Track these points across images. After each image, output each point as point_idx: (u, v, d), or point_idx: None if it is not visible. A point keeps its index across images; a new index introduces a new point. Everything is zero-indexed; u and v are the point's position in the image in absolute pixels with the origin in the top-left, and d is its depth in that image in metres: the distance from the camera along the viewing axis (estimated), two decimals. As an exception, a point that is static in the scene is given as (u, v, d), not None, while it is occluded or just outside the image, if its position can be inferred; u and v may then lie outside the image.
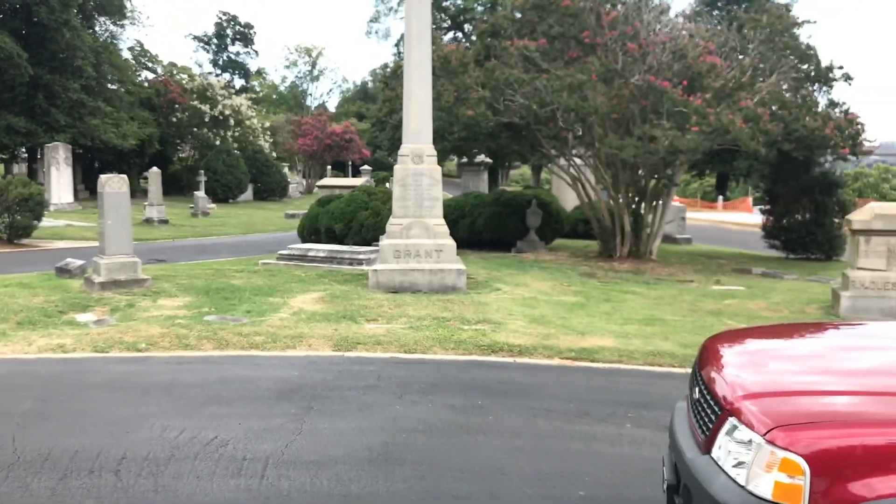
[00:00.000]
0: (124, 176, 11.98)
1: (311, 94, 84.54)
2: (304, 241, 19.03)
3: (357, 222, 17.65)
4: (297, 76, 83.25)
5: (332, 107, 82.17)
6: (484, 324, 10.02)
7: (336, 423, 6.02)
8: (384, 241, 12.37)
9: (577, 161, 17.56)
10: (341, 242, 17.81)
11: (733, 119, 13.65)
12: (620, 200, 16.51)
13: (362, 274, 13.25)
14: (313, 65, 79.26)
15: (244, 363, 8.13)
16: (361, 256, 14.51)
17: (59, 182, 31.56)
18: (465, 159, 21.76)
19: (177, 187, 42.11)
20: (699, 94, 14.11)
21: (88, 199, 35.70)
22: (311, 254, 14.87)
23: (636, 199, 16.85)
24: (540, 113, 14.89)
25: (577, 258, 17.16)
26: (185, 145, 45.73)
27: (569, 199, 23.85)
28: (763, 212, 19.41)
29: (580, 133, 15.42)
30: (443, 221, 12.49)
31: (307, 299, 11.25)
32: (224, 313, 10.26)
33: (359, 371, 7.85)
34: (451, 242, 12.39)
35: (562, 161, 17.41)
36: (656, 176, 16.25)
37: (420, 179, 12.36)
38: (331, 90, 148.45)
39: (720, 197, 47.56)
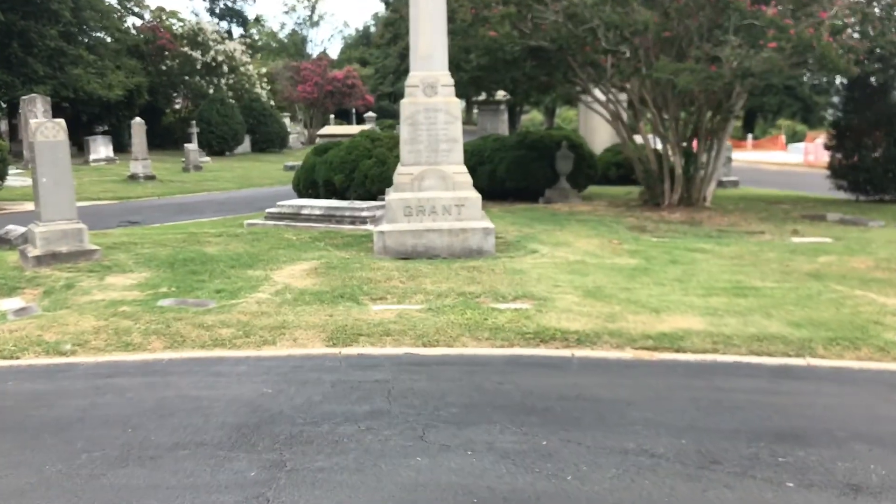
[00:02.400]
0: (61, 120, 9.61)
1: (311, 41, 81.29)
2: (301, 195, 16.61)
3: (360, 173, 15.19)
4: (296, 22, 79.94)
5: (333, 54, 79.00)
6: (525, 300, 7.65)
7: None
8: (392, 196, 9.94)
9: (613, 94, 14.94)
10: (342, 197, 15.38)
11: (816, 33, 11.02)
12: (670, 139, 13.98)
13: (366, 235, 10.87)
14: (313, 9, 75.75)
15: (200, 372, 5.81)
16: (365, 213, 12.10)
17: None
18: (481, 97, 19.06)
19: (171, 140, 39.60)
20: (772, 3, 11.42)
21: (76, 156, 33.26)
22: (304, 212, 12.46)
23: (688, 136, 14.30)
24: (576, 32, 12.30)
25: (617, 208, 14.68)
26: (177, 96, 42.98)
27: (597, 141, 21.30)
28: (828, 148, 16.81)
29: (627, 55, 12.80)
30: (464, 169, 10.05)
31: (296, 271, 8.87)
32: (186, 294, 7.91)
33: (360, 382, 5.51)
34: (475, 195, 9.96)
35: (598, 94, 14.79)
36: (714, 108, 13.66)
37: (434, 116, 9.87)
38: (332, 36, 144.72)
39: (749, 135, 44.56)
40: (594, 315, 7.13)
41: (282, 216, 12.60)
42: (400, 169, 10.07)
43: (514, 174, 16.18)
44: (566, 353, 6.35)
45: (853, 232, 12.01)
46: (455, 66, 10.99)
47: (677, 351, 6.39)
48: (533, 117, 61.92)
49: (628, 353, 6.36)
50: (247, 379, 5.63)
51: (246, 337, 6.59)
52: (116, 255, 9.80)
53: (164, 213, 16.34)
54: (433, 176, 9.88)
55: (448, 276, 8.58)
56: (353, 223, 12.03)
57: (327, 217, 12.23)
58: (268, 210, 12.91)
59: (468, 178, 9.99)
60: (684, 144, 14.19)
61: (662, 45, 12.75)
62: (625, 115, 15.06)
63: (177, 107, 43.78)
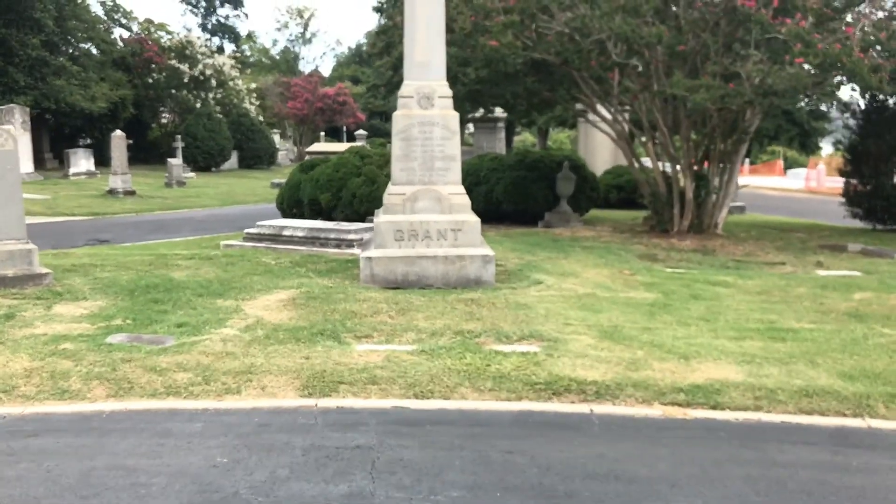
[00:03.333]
0: (9, 128, 8.53)
1: (303, 59, 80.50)
2: (285, 214, 15.61)
3: (347, 192, 14.21)
4: (288, 39, 79.17)
5: (326, 72, 78.29)
6: (532, 341, 6.65)
7: None
8: (381, 218, 8.94)
9: (620, 112, 14.04)
10: (329, 217, 14.40)
11: (844, 48, 10.14)
12: (681, 161, 13.07)
13: (352, 260, 9.87)
14: (305, 26, 75.03)
15: (145, 430, 4.78)
16: (352, 236, 11.09)
17: (17, 149, 27.92)
18: (479, 113, 18.12)
19: (156, 155, 38.49)
20: (797, 16, 10.54)
21: (58, 169, 32.26)
22: (286, 233, 11.45)
23: (699, 159, 13.39)
24: (583, 45, 11.40)
25: (623, 234, 13.72)
26: (164, 110, 41.96)
27: (598, 163, 20.43)
28: (843, 174, 15.93)
29: (639, 69, 11.89)
30: (461, 189, 9.08)
31: (272, 302, 7.84)
32: (143, 328, 6.87)
33: (338, 449, 4.50)
34: (474, 219, 8.98)
35: (603, 112, 13.88)
36: (728, 129, 12.76)
37: (430, 130, 8.91)
38: (324, 54, 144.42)
39: (746, 160, 43.78)
40: (614, 361, 6.13)
41: (261, 237, 11.58)
42: (391, 188, 9.08)
43: (512, 196, 15.23)
44: (584, 408, 5.36)
45: (882, 265, 11.09)
46: (452, 79, 10.06)
47: (714, 407, 5.42)
48: (524, 138, 61.09)
49: (657, 410, 5.37)
50: (200, 442, 4.60)
51: (205, 384, 5.56)
52: (72, 279, 8.74)
53: (138, 232, 15.29)
54: (427, 197, 8.89)
55: (443, 310, 7.57)
56: (338, 246, 11.03)
57: (311, 239, 11.22)
58: (246, 230, 11.89)
59: (466, 200, 9.01)
60: (695, 168, 13.28)
61: (675, 61, 11.86)
62: (631, 135, 14.17)
63: (164, 121, 42.74)
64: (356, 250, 10.56)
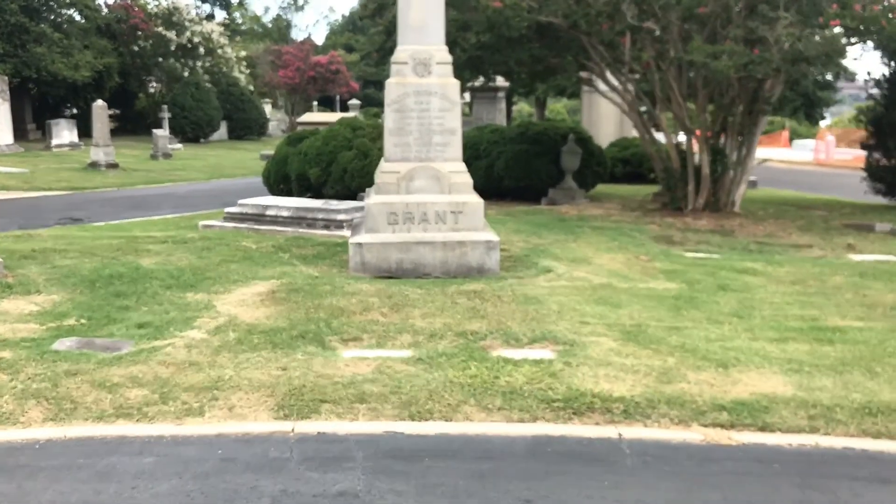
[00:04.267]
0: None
1: (296, 26, 78.93)
2: (272, 190, 14.67)
3: (338, 166, 13.26)
4: (280, 6, 77.51)
5: (319, 40, 76.66)
6: (545, 344, 5.79)
7: None
8: (373, 199, 8.02)
9: (631, 80, 13.05)
10: (318, 193, 13.47)
11: (884, 10, 9.18)
12: (697, 134, 12.13)
13: (341, 244, 8.97)
14: (298, -7, 73.37)
15: (83, 467, 3.94)
16: (341, 217, 10.18)
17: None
18: (478, 82, 17.07)
19: (143, 126, 37.28)
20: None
21: (40, 140, 31.10)
22: (269, 212, 10.53)
23: (716, 132, 12.44)
24: (593, 7, 10.42)
25: (633, 212, 12.81)
26: (152, 79, 40.64)
27: (602, 135, 19.43)
28: (865, 147, 15.01)
29: (657, 33, 10.91)
30: (462, 167, 8.17)
31: (248, 295, 6.95)
32: (98, 329, 5.98)
33: (315, 498, 3.65)
34: (476, 199, 8.08)
35: (613, 80, 12.90)
36: (748, 99, 11.80)
37: (427, 101, 7.96)
38: (317, 22, 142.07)
39: (749, 131, 42.71)
40: (642, 371, 5.28)
41: (244, 217, 10.67)
42: (383, 166, 8.15)
43: (514, 171, 14.28)
44: (611, 431, 4.53)
45: (919, 247, 10.23)
46: (451, 45, 9.07)
47: (762, 429, 4.61)
48: (521, 108, 59.80)
49: (696, 433, 4.54)
50: (146, 487, 3.74)
51: (163, 403, 4.69)
52: (28, 267, 7.83)
53: (115, 209, 14.35)
54: (424, 175, 7.97)
55: (443, 305, 6.70)
56: (327, 227, 10.13)
57: (297, 220, 10.31)
58: (227, 210, 10.97)
59: (468, 179, 8.10)
60: (711, 142, 12.34)
61: (693, 24, 10.88)
62: (642, 106, 13.21)
63: (152, 90, 41.44)
64: (346, 232, 9.67)
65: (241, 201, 10.94)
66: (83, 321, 6.17)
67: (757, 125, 12.52)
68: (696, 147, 12.59)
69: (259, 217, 10.52)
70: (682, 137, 13.11)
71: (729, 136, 12.41)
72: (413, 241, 7.76)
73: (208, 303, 6.67)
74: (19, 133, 30.73)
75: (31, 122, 34.34)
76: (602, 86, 13.77)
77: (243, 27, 73.53)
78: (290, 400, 4.75)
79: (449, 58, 8.06)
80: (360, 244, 7.76)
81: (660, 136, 13.94)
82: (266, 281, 7.43)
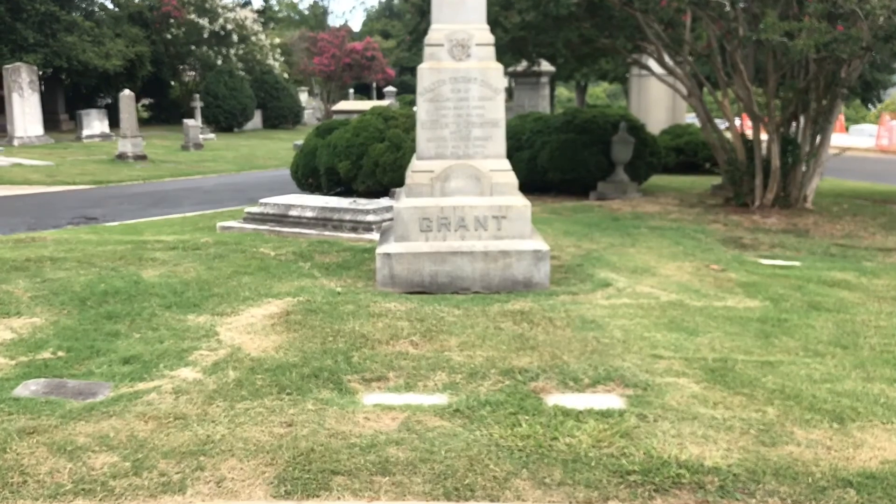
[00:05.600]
0: None
1: (332, 13, 78.05)
2: (300, 185, 13.76)
3: (369, 160, 12.27)
4: (316, -8, 76.68)
5: (356, 27, 75.84)
6: (611, 386, 4.73)
7: None
8: (403, 203, 6.98)
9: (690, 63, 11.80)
10: (348, 189, 12.52)
11: None
12: (765, 121, 10.88)
13: (370, 249, 7.98)
14: (334, -22, 72.48)
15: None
16: (370, 217, 9.18)
17: (24, 111, 26.30)
18: (520, 66, 15.91)
19: (177, 115, 36.73)
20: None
21: (73, 131, 30.60)
22: (293, 213, 9.56)
23: (786, 119, 11.17)
24: (654, -20, 9.27)
25: (693, 208, 11.61)
26: (186, 67, 40.06)
27: (652, 122, 18.15)
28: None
29: (726, 7, 9.69)
30: (506, 164, 7.09)
31: (258, 318, 5.97)
32: (75, 366, 5.04)
33: None
34: (522, 202, 7.01)
35: (669, 62, 11.68)
36: (826, 83, 10.52)
37: (465, 89, 6.89)
38: (353, 8, 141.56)
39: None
40: (737, 428, 4.19)
41: (265, 218, 9.72)
42: (415, 164, 7.11)
43: (559, 163, 13.14)
44: (706, 520, 3.45)
45: None
46: (492, 25, 7.98)
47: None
48: (559, 93, 58.31)
49: (819, 523, 3.44)
50: None
51: (135, 474, 3.72)
52: (15, 282, 6.95)
53: (134, 206, 13.52)
54: (462, 174, 6.91)
55: (485, 331, 5.65)
56: (354, 230, 9.14)
57: (322, 221, 9.33)
58: (247, 210, 10.03)
59: (512, 179, 7.02)
60: (782, 130, 11.07)
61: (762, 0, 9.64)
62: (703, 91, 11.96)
63: (186, 79, 40.87)
64: (375, 235, 8.67)
65: (262, 200, 9.99)
66: (61, 353, 5.24)
67: (833, 112, 11.23)
68: (763, 136, 11.35)
69: (281, 218, 9.57)
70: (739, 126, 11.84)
71: (806, 124, 11.12)
72: (449, 251, 6.72)
73: (210, 328, 5.70)
74: (52, 124, 30.32)
75: (64, 113, 33.97)
76: (658, 69, 12.55)
77: (280, 14, 73.00)
78: (294, 471, 3.75)
79: (491, 38, 6.97)
80: (388, 255, 6.73)
81: (720, 124, 12.71)
82: (281, 299, 6.44)
